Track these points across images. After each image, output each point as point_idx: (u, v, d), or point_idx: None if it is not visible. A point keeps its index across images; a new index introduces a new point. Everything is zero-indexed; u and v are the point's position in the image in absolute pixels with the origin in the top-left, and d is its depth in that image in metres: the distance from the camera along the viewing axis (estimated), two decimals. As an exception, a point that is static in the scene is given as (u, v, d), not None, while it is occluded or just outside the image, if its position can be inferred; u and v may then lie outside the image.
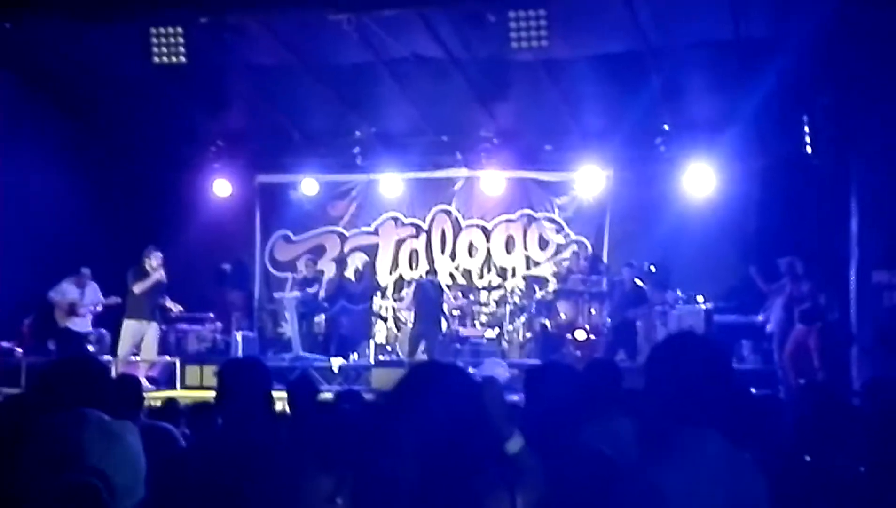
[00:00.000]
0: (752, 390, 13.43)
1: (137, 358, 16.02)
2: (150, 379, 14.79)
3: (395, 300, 18.26)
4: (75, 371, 3.68)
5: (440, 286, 17.43)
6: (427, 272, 17.77)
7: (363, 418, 2.84)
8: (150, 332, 15.48)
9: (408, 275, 18.65)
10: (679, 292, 16.11)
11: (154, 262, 15.48)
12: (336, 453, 2.55)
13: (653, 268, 16.45)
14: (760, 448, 3.86)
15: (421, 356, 16.40)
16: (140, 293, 15.35)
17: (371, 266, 18.83)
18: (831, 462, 4.32)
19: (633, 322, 15.90)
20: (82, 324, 15.84)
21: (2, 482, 2.68)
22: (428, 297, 17.06)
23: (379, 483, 2.55)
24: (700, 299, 15.99)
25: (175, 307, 16.05)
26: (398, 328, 18.09)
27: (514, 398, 6.15)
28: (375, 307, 18.15)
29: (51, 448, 2.38)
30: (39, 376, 4.15)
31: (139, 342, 15.38)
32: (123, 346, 15.32)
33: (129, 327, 15.39)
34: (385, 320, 18.26)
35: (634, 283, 16.12)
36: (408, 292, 17.73)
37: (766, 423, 4.84)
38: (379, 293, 18.49)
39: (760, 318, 15.10)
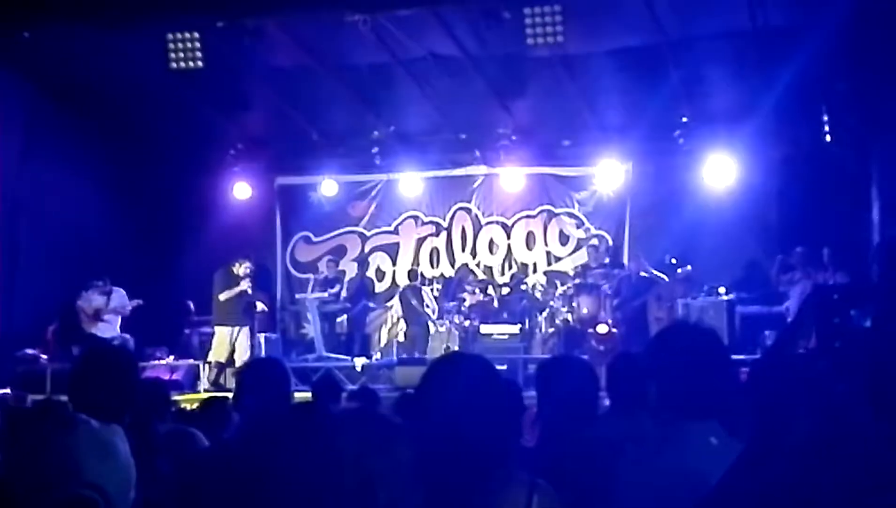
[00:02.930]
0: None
1: (164, 362, 16.15)
2: (174, 383, 14.87)
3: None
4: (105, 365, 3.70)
5: (419, 290, 17.76)
6: (409, 276, 18.05)
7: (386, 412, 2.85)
8: (242, 337, 15.59)
9: (428, 273, 18.67)
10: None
11: (242, 271, 15.57)
12: (359, 448, 2.56)
13: (674, 261, 16.40)
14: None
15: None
16: (225, 300, 15.44)
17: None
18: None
19: (643, 312, 15.90)
20: (107, 330, 15.91)
21: (5, 490, 2.70)
22: (409, 303, 17.43)
23: (398, 476, 2.56)
24: (722, 290, 15.94)
25: (260, 306, 16.15)
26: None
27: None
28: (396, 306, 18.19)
29: (48, 462, 2.40)
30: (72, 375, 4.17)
31: (232, 347, 15.47)
32: (219, 353, 15.44)
33: (220, 333, 15.56)
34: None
35: (639, 275, 16.11)
36: (394, 302, 18.09)
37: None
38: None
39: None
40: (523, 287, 17.72)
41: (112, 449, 2.45)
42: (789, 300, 14.95)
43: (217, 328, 15.70)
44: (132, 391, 3.57)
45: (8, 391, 13.27)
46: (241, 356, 15.28)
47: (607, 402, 4.95)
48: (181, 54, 13.64)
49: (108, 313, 15.94)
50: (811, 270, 14.63)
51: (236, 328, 15.56)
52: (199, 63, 13.63)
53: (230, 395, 5.84)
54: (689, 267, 16.17)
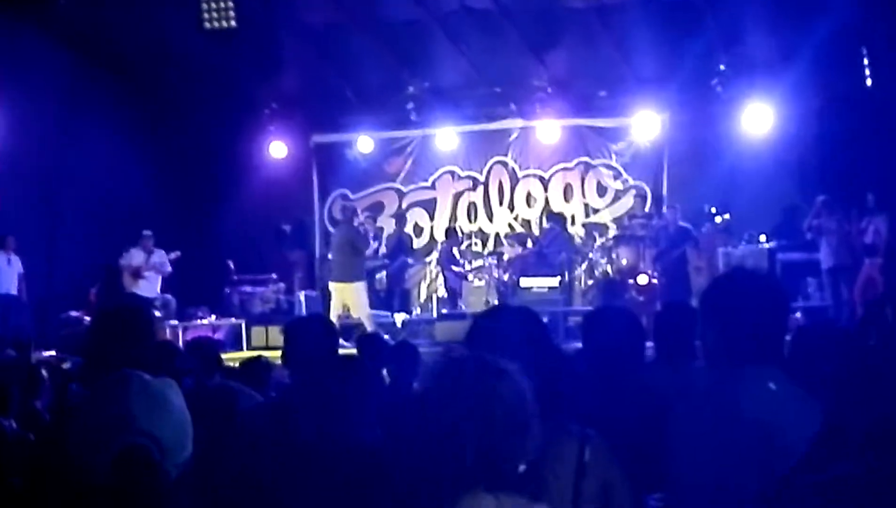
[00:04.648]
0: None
1: (205, 321, 16.26)
2: (217, 342, 14.95)
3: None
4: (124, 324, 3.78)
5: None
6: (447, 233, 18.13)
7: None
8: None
9: (466, 228, 18.66)
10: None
11: (362, 219, 15.72)
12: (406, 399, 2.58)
13: (714, 210, 16.31)
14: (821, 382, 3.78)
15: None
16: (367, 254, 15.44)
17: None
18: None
19: (682, 262, 15.79)
20: (148, 288, 16.02)
21: (58, 449, 2.74)
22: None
23: (445, 426, 2.58)
24: (762, 238, 15.85)
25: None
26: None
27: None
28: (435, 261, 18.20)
29: (99, 413, 2.43)
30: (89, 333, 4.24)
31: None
32: (367, 308, 15.19)
33: (363, 288, 15.23)
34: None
35: (678, 224, 15.97)
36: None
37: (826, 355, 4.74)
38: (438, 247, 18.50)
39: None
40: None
41: (164, 400, 2.47)
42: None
43: (361, 284, 15.19)
44: (144, 350, 3.62)
45: (53, 353, 13.42)
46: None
47: (651, 352, 4.93)
48: (214, 14, 13.67)
49: (148, 270, 16.04)
50: (840, 219, 14.44)
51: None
52: (233, 22, 13.65)
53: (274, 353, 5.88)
54: (727, 215, 16.06)
